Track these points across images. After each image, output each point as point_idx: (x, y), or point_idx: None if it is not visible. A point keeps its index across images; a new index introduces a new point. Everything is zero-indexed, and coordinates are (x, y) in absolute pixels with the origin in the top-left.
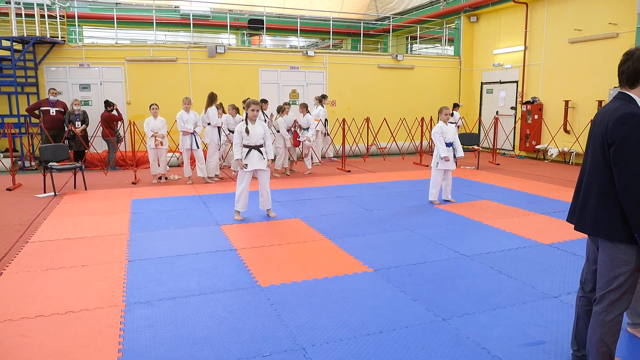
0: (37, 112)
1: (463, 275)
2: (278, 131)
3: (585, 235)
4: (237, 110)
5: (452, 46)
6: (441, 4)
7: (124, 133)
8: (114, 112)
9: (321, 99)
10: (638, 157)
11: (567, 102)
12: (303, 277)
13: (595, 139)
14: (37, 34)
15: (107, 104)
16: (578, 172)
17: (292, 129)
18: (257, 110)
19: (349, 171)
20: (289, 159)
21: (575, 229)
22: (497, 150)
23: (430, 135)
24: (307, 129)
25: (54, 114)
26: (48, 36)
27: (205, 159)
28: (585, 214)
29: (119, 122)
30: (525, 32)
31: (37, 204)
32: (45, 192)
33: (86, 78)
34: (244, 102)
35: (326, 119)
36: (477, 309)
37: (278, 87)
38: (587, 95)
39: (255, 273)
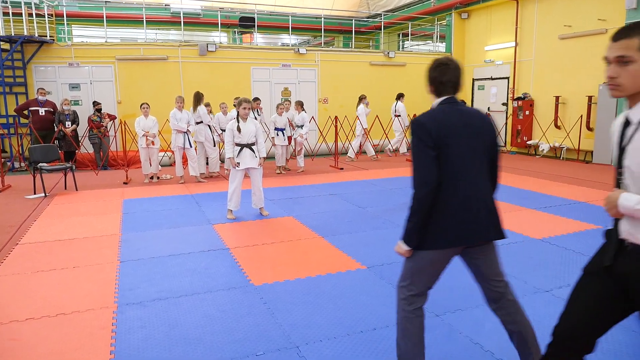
0: (26, 112)
1: (456, 270)
2: (276, 128)
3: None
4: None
5: (444, 43)
6: (432, 0)
7: (115, 132)
8: (99, 115)
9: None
10: None
11: (557, 97)
12: (296, 275)
13: (483, 141)
14: (25, 33)
15: (94, 104)
16: (570, 167)
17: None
18: (249, 109)
19: (342, 169)
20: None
21: (493, 239)
22: None
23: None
24: (302, 126)
25: (43, 114)
26: (36, 35)
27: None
28: (495, 219)
29: (110, 123)
30: (516, 28)
31: (27, 205)
32: (35, 193)
33: (76, 77)
34: (235, 99)
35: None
36: (470, 304)
37: (270, 85)
38: (577, 90)
39: (248, 272)
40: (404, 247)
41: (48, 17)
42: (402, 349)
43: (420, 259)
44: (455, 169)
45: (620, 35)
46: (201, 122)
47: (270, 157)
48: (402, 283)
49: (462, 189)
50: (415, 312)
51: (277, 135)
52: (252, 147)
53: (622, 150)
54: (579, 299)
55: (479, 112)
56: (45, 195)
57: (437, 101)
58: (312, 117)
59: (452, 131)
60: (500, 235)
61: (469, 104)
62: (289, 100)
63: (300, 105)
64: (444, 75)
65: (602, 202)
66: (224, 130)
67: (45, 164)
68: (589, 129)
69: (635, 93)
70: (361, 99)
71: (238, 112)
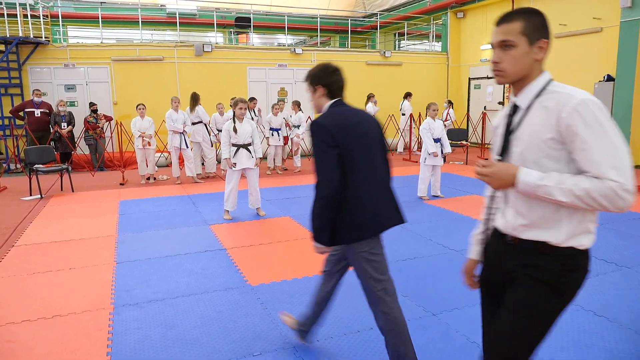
0: (21, 113)
1: (453, 270)
2: (273, 129)
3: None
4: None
5: (440, 42)
6: (428, 0)
7: (111, 133)
8: (95, 116)
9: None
10: None
11: None
12: (293, 275)
13: (375, 136)
14: (20, 34)
15: (90, 105)
16: None
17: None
18: (245, 109)
19: None
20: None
21: (399, 223)
22: (485, 145)
23: (418, 131)
24: (298, 126)
25: (39, 115)
26: (31, 36)
27: (202, 158)
28: (398, 205)
29: (106, 124)
30: None
31: (23, 207)
32: (31, 195)
33: (71, 78)
34: (232, 99)
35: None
36: (466, 303)
37: (266, 85)
38: None
39: (245, 272)
40: (320, 246)
41: (43, 18)
42: (396, 352)
43: (363, 253)
44: (359, 164)
45: (503, 20)
46: (199, 122)
47: (266, 158)
48: (372, 289)
49: (369, 181)
50: (397, 316)
51: (272, 135)
52: (249, 147)
53: (508, 137)
54: (483, 318)
55: (365, 111)
56: (41, 197)
57: (329, 103)
58: (309, 117)
59: (350, 130)
60: (403, 219)
61: (465, 103)
62: (283, 100)
63: (297, 105)
64: (341, 80)
65: (480, 170)
66: (221, 131)
67: (41, 166)
68: None
69: (520, 79)
70: (369, 97)
71: (234, 112)
